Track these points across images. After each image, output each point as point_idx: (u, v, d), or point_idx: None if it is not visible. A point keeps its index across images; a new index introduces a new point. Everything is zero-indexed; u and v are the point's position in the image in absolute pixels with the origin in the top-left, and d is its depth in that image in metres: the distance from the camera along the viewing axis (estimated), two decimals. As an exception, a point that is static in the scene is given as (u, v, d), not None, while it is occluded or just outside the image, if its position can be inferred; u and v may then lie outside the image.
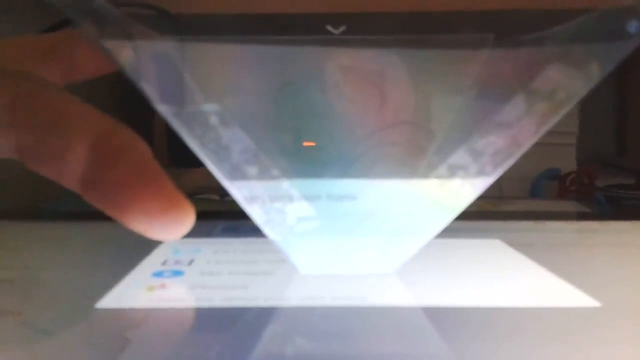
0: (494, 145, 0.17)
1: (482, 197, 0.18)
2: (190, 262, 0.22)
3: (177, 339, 0.16)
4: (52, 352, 0.15)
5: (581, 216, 0.36)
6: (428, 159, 0.18)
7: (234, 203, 0.18)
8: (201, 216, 0.14)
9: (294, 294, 0.18)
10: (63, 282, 0.20)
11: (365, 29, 0.17)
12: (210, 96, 0.16)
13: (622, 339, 0.15)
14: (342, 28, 0.18)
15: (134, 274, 0.20)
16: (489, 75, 0.17)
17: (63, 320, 0.17)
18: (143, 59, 0.15)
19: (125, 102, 0.35)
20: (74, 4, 0.14)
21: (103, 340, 0.16)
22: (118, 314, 0.17)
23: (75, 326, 0.16)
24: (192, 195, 0.38)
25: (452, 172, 0.18)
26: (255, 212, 0.18)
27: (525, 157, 0.17)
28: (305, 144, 0.18)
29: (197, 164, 0.17)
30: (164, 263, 0.21)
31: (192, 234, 0.14)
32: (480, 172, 0.17)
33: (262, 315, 0.17)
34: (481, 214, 0.32)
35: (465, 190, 0.18)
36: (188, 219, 0.13)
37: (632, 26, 0.15)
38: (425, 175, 0.18)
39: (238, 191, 0.17)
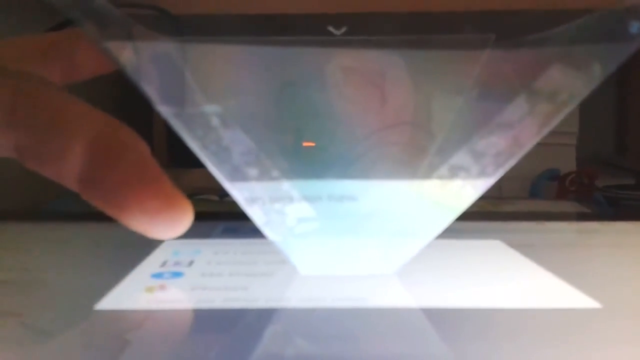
0: (495, 146, 0.17)
1: (482, 198, 0.18)
2: (190, 263, 0.21)
3: (177, 341, 0.16)
4: (51, 353, 0.15)
5: (581, 216, 0.36)
6: (429, 159, 0.18)
7: (233, 204, 0.18)
8: (201, 217, 0.14)
9: (294, 295, 0.18)
10: (62, 283, 0.20)
11: (366, 30, 0.17)
12: (211, 97, 0.16)
13: (623, 340, 0.15)
14: (344, 29, 0.18)
15: (133, 275, 0.20)
16: (490, 76, 0.17)
17: (62, 321, 0.17)
18: (144, 59, 0.15)
19: (125, 102, 0.35)
20: (75, 5, 0.14)
21: (102, 341, 0.16)
22: (117, 315, 0.17)
23: (74, 327, 0.16)
24: (192, 195, 0.38)
25: (454, 172, 0.18)
26: (255, 213, 0.18)
27: (525, 157, 0.17)
28: (306, 144, 0.18)
29: (197, 164, 0.17)
30: (164, 264, 0.21)
31: (192, 234, 0.14)
32: (482, 173, 0.17)
33: (263, 317, 0.17)
34: (481, 215, 0.32)
35: (466, 191, 0.18)
36: (187, 218, 0.13)
37: (633, 27, 0.15)
38: (426, 175, 0.18)
39: (238, 192, 0.17)
